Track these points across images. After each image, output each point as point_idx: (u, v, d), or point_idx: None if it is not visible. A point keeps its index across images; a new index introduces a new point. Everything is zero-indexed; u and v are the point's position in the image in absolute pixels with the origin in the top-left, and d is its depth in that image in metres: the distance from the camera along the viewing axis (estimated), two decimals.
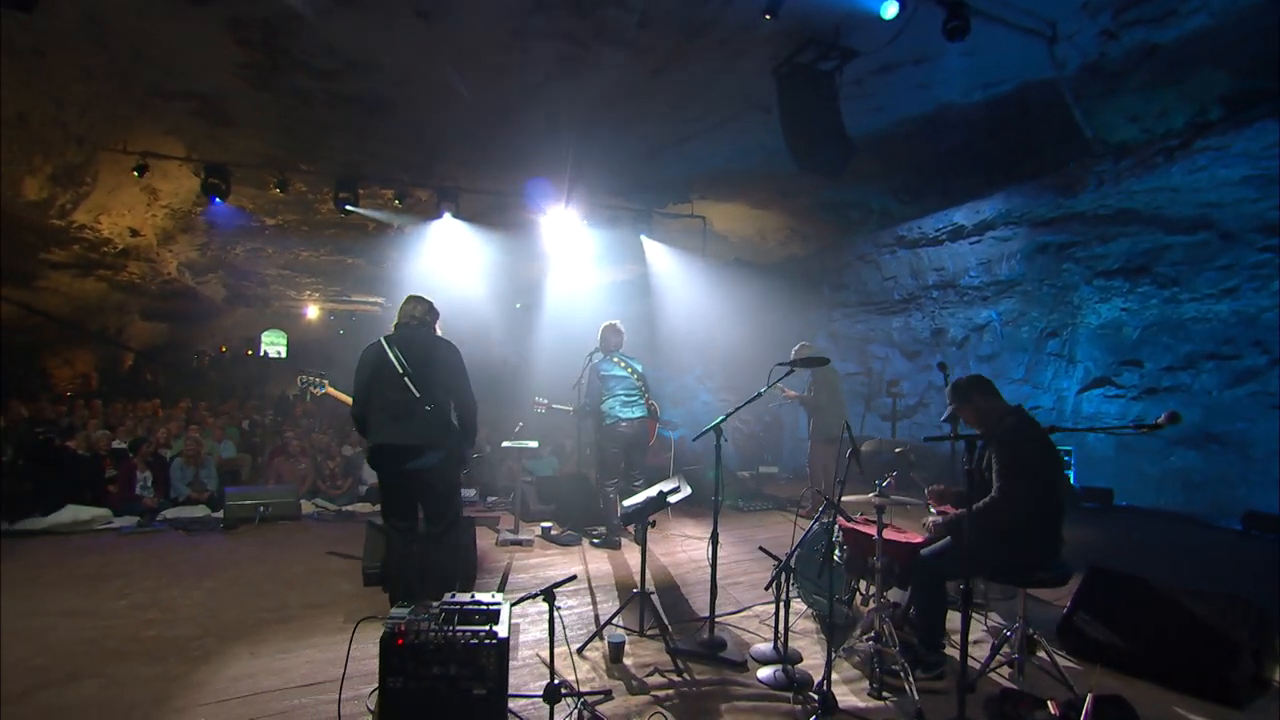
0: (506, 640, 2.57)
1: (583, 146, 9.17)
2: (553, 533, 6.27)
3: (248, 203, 10.36)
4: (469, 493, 7.82)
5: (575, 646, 3.70)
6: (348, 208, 9.12)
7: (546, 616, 4.41)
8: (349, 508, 7.16)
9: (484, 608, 2.77)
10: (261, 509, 6.34)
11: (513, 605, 2.94)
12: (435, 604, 2.77)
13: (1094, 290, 8.13)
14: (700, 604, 4.60)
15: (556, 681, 2.85)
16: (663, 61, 7.11)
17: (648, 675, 3.41)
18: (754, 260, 12.77)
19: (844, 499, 3.37)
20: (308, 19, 6.15)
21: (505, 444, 6.20)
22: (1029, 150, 8.65)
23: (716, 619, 3.75)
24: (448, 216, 9.71)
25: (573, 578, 3.31)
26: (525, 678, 3.41)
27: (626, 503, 3.79)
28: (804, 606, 4.28)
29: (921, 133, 8.80)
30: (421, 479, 4.03)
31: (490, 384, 10.39)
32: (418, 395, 4.05)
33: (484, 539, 6.47)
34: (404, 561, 3.95)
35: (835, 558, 3.74)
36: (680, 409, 12.50)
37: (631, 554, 6.01)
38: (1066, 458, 8.19)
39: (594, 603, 4.70)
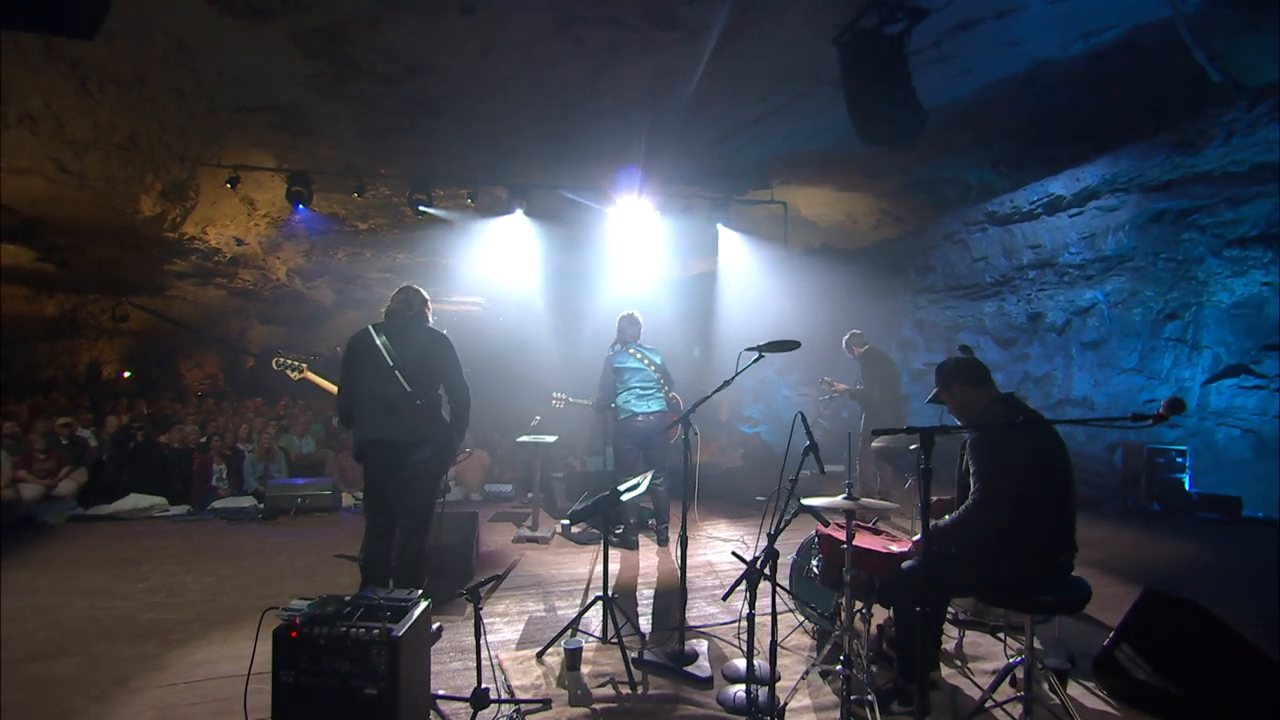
0: (399, 640, 2.41)
1: (651, 135, 9.00)
2: (573, 530, 6.11)
3: (339, 209, 10.93)
4: (504, 488, 7.85)
5: (537, 650, 3.52)
6: (421, 208, 9.37)
7: (526, 616, 4.38)
8: None
9: (396, 604, 2.64)
10: (298, 501, 6.62)
11: (428, 602, 2.78)
12: (347, 597, 2.68)
13: (1224, 263, 6.95)
14: (699, 612, 4.31)
15: (484, 686, 2.68)
16: (718, 40, 6.80)
17: (599, 686, 3.16)
18: (845, 246, 12.09)
19: (815, 504, 2.96)
20: (361, 26, 6.36)
21: (521, 439, 6.11)
22: (1148, 105, 7.59)
23: (703, 629, 3.45)
24: (519, 213, 9.78)
25: (498, 577, 3.12)
26: (470, 680, 3.23)
27: (597, 499, 3.54)
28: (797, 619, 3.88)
29: (1018, 96, 7.97)
30: (407, 475, 3.92)
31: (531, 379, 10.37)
32: (408, 389, 3.92)
33: (502, 535, 6.46)
34: (382, 558, 3.90)
35: (814, 566, 3.32)
36: (761, 404, 12.04)
37: (648, 554, 5.81)
38: (1179, 459, 7.05)
39: (584, 604, 4.44)
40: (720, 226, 10.39)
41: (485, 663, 2.81)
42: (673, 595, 4.64)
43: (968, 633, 3.61)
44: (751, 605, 2.77)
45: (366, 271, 14.49)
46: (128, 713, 2.96)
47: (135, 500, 6.58)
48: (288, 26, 6.42)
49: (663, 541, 5.89)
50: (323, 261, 13.34)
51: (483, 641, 2.71)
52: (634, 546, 5.83)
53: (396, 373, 3.93)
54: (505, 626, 3.99)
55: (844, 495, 2.98)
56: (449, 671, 3.30)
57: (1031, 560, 2.82)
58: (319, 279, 14.37)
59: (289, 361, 4.80)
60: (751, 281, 10.72)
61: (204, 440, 7.85)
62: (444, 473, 4.17)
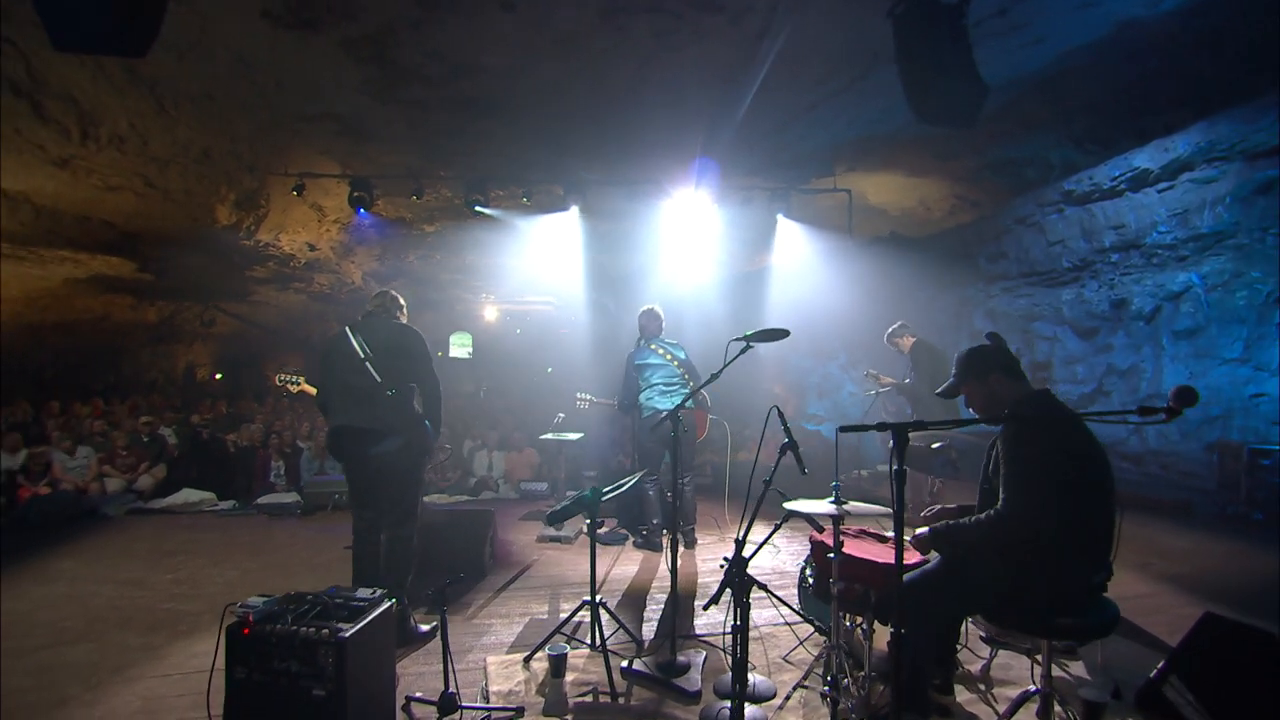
0: (345, 641, 2.35)
1: (708, 127, 8.78)
2: (599, 531, 5.97)
3: (405, 213, 11.20)
4: (540, 486, 7.81)
5: (524, 655, 3.39)
6: (478, 208, 9.48)
7: (527, 619, 4.26)
8: (428, 499, 7.44)
9: (355, 604, 2.58)
10: (336, 496, 6.78)
11: (391, 603, 2.70)
12: (310, 595, 2.64)
13: None
14: (709, 619, 4.07)
15: (451, 690, 2.58)
16: (765, 21, 6.55)
17: (580, 695, 3.01)
18: (919, 234, 11.48)
19: (798, 508, 2.69)
20: (405, 29, 6.44)
21: (544, 436, 6.02)
22: (1258, 61, 6.75)
23: (706, 639, 3.23)
24: (575, 210, 9.75)
25: (460, 578, 3.01)
26: (461, 681, 3.17)
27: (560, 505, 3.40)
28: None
29: (1100, 64, 7.30)
30: (380, 465, 3.98)
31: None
32: (379, 380, 4.03)
33: (528, 534, 6.45)
34: (370, 553, 3.92)
35: (808, 575, 3.04)
36: (825, 400, 11.57)
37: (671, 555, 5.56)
38: None
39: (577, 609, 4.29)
40: (780, 217, 10.01)
41: (481, 663, 2.72)
42: (687, 600, 4.45)
43: (1000, 653, 3.24)
44: (737, 617, 2.55)
45: (439, 274, 14.86)
46: (117, 701, 3.07)
47: (186, 495, 6.96)
48: (337, 35, 6.56)
49: (690, 544, 5.69)
50: (395, 265, 13.75)
51: (449, 644, 2.60)
52: (658, 548, 5.65)
53: (367, 365, 4.06)
54: (504, 628, 3.92)
55: (830, 499, 2.70)
56: (432, 673, 3.24)
57: (1052, 578, 2.46)
58: (393, 282, 14.85)
59: (288, 377, 4.99)
60: (813, 274, 10.31)
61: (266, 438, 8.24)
62: (421, 467, 4.20)
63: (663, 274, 11.20)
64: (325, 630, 2.40)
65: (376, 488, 4.07)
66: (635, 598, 4.68)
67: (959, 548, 2.58)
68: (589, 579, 4.87)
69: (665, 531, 5.84)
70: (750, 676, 3.01)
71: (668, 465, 5.84)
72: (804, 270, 10.43)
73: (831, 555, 2.63)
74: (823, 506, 2.66)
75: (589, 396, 6.27)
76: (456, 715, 2.64)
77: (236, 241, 10.21)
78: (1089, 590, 2.50)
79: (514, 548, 5.82)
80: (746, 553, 2.51)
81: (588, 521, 6.27)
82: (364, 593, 2.70)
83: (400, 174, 9.70)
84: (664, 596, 4.66)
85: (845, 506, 2.68)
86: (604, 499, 3.20)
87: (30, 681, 3.24)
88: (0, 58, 6.31)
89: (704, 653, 3.56)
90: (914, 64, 5.83)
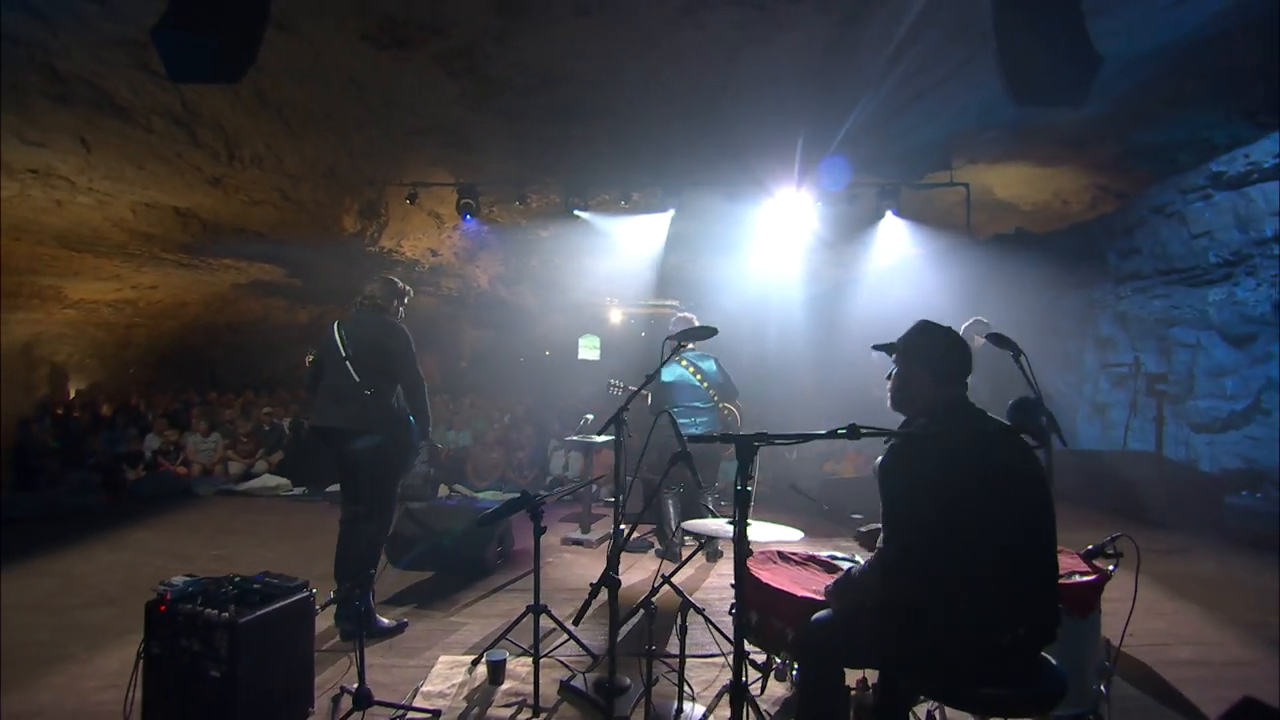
0: (239, 625, 2.42)
1: (810, 120, 8.43)
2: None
3: (520, 219, 11.61)
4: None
5: (473, 658, 3.33)
6: (575, 211, 9.66)
7: (503, 620, 4.15)
8: (484, 494, 7.58)
9: (272, 590, 2.65)
10: None
11: (307, 594, 2.75)
12: (237, 578, 2.75)
13: None
14: (694, 639, 3.77)
15: (367, 687, 2.61)
16: (853, 7, 6.21)
17: (507, 704, 2.90)
18: (1051, 230, 10.30)
19: (695, 527, 2.41)
20: (491, 41, 6.69)
21: (570, 438, 5.89)
22: None
23: (671, 659, 3.02)
24: (672, 213, 9.71)
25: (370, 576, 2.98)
26: (400, 677, 3.12)
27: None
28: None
29: (1266, 19, 6.20)
30: (353, 463, 4.08)
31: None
32: (357, 380, 4.09)
33: (555, 536, 6.25)
34: (348, 542, 4.04)
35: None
36: None
37: (689, 568, 5.29)
38: None
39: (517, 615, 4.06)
40: (890, 215, 9.35)
41: (433, 661, 2.70)
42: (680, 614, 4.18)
43: None
44: (649, 639, 2.35)
45: (561, 277, 15.27)
46: (104, 662, 3.38)
47: (264, 480, 7.60)
48: (429, 52, 6.90)
49: (710, 556, 5.42)
50: (519, 269, 14.32)
51: (362, 644, 2.63)
52: (675, 558, 5.41)
53: (348, 364, 4.15)
54: (476, 628, 3.90)
55: (728, 519, 2.41)
56: (382, 666, 3.27)
57: (965, 635, 2.00)
58: (519, 285, 15.44)
59: (312, 353, 5.15)
60: (924, 275, 9.53)
61: None
62: (400, 464, 4.26)
63: (755, 277, 10.84)
64: (225, 614, 2.49)
65: (357, 482, 4.17)
66: (625, 608, 4.39)
67: (861, 598, 2.17)
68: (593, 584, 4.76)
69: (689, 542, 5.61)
70: (688, 706, 2.77)
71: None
72: (913, 271, 9.68)
73: (733, 585, 2.33)
74: (720, 526, 2.39)
75: (621, 383, 6.05)
76: (373, 709, 2.66)
77: (363, 248, 11.08)
78: (1006, 650, 1.99)
79: (529, 548, 5.63)
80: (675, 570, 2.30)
81: (620, 528, 6.16)
82: (285, 580, 2.78)
83: (507, 181, 10.06)
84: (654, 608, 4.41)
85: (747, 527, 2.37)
86: (543, 502, 3.10)
87: (49, 637, 3.66)
88: (164, 95, 7.23)
89: (656, 675, 3.32)
90: (1012, 38, 5.23)
